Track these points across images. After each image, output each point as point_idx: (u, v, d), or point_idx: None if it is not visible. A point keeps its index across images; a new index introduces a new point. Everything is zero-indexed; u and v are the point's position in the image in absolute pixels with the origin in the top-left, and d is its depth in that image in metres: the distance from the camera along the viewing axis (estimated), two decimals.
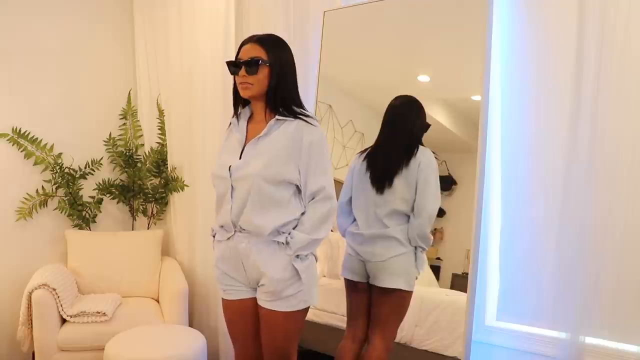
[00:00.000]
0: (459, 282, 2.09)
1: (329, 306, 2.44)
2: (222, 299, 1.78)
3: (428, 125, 2.08)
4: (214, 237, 1.79)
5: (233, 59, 1.67)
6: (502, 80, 2.09)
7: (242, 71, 1.60)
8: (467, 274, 2.03)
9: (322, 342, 2.45)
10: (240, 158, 1.65)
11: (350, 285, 2.09)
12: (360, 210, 2.07)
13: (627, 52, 1.79)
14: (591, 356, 1.88)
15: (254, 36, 1.66)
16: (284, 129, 1.62)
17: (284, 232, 1.62)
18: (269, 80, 1.62)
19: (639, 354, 1.83)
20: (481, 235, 2.03)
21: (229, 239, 1.68)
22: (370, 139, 2.34)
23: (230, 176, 1.63)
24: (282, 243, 1.61)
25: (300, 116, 1.62)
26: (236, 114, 1.75)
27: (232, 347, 1.86)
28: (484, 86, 2.00)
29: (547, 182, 2.00)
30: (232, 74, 1.67)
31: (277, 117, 1.62)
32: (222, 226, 1.70)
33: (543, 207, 2.02)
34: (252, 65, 1.59)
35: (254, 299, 1.70)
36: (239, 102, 1.74)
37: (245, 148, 1.66)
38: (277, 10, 2.63)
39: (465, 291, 2.02)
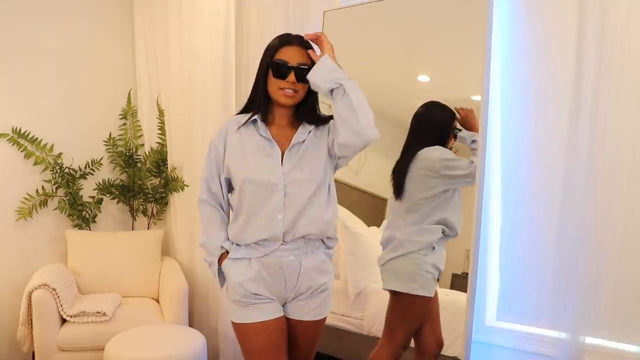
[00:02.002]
0: (459, 282, 2.09)
1: None
2: (245, 324, 1.57)
3: (453, 115, 2.08)
4: (219, 256, 1.62)
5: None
6: (502, 80, 2.09)
7: (292, 77, 1.52)
8: (467, 274, 2.03)
9: (321, 342, 2.46)
10: (283, 163, 1.55)
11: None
12: (387, 221, 2.14)
13: (627, 52, 1.78)
14: (591, 356, 1.88)
15: (295, 37, 1.58)
16: (320, 134, 1.61)
17: (329, 237, 1.64)
18: (307, 89, 1.58)
19: (639, 354, 1.82)
20: (481, 235, 2.03)
21: (266, 255, 1.56)
22: None
23: (283, 182, 1.53)
24: (328, 251, 1.65)
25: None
26: (264, 115, 1.61)
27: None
28: (484, 86, 2.00)
29: (547, 182, 2.00)
30: (276, 77, 1.54)
31: (314, 125, 1.61)
32: (257, 241, 1.56)
33: (543, 207, 2.02)
34: (305, 74, 1.52)
35: (284, 318, 1.62)
36: (268, 103, 1.60)
37: (285, 153, 1.57)
38: (277, 10, 2.63)
39: (465, 291, 2.02)
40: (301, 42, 1.58)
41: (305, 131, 1.60)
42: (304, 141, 1.59)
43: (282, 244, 1.56)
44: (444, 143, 2.05)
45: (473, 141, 1.99)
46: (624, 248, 1.83)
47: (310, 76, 1.51)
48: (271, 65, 1.55)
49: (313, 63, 1.54)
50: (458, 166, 1.98)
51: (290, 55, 1.54)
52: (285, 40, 1.58)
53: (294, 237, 1.55)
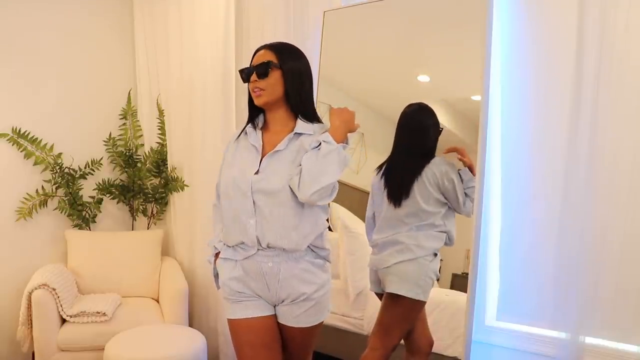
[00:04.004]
0: (459, 282, 2.09)
1: None
2: (234, 320, 1.61)
3: (440, 130, 2.09)
4: (215, 255, 1.71)
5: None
6: (502, 80, 2.09)
7: (253, 76, 1.57)
8: (467, 274, 2.03)
9: (320, 341, 2.46)
10: (258, 170, 1.56)
11: (380, 298, 2.13)
12: (379, 224, 2.13)
13: (627, 52, 1.78)
14: (591, 356, 1.88)
15: (266, 44, 1.64)
16: (303, 141, 1.58)
17: (316, 247, 1.62)
18: (283, 86, 1.58)
19: (639, 354, 1.82)
20: (481, 235, 2.04)
21: (246, 258, 1.59)
22: (370, 139, 2.34)
23: (251, 189, 1.55)
24: (316, 260, 1.62)
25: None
26: (252, 122, 1.67)
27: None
28: (484, 86, 2.00)
29: (547, 182, 2.00)
30: (244, 81, 1.63)
31: (295, 132, 1.59)
32: (238, 244, 1.60)
33: (543, 206, 2.02)
34: (261, 69, 1.56)
35: (274, 317, 1.63)
36: (255, 111, 1.67)
37: (262, 160, 1.58)
38: (277, 10, 2.63)
39: (465, 291, 2.02)
40: (269, 47, 1.62)
41: (287, 139, 1.59)
42: (281, 150, 1.58)
43: (259, 249, 1.57)
44: (434, 149, 2.06)
45: (469, 187, 1.99)
46: (624, 249, 1.83)
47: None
48: (239, 73, 1.63)
49: (278, 60, 1.57)
50: (467, 197, 2.01)
51: (255, 59, 1.61)
52: (258, 48, 1.64)
53: (269, 245, 1.55)
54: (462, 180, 2.01)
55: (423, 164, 2.03)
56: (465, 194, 2.00)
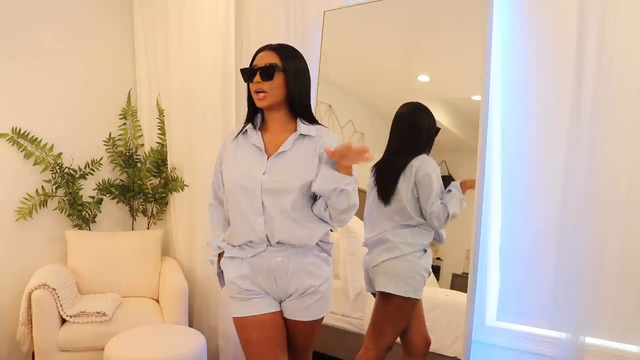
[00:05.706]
0: (459, 282, 2.10)
1: None
2: (242, 318, 1.62)
3: (438, 130, 2.08)
4: (218, 255, 1.72)
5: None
6: (502, 80, 2.09)
7: (257, 77, 1.57)
8: (467, 274, 2.03)
9: (320, 341, 2.46)
10: (264, 170, 1.58)
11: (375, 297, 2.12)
12: (370, 222, 2.12)
13: (627, 52, 1.79)
14: (591, 356, 1.88)
15: (269, 44, 1.64)
16: (312, 152, 1.60)
17: (322, 241, 1.65)
18: (285, 88, 1.59)
19: (639, 354, 1.83)
20: (481, 235, 2.04)
21: (254, 256, 1.61)
22: (370, 139, 2.34)
23: (260, 188, 1.56)
24: (322, 254, 1.65)
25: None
26: (252, 122, 1.68)
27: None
28: (484, 86, 2.00)
29: (548, 181, 2.01)
30: (246, 81, 1.63)
31: (300, 133, 1.61)
32: (245, 243, 1.62)
33: (543, 206, 2.02)
34: (267, 71, 1.56)
35: (280, 313, 1.65)
36: (254, 111, 1.68)
37: (269, 160, 1.60)
38: (277, 10, 2.63)
39: (465, 291, 2.02)
40: (273, 47, 1.62)
41: (292, 139, 1.61)
42: (289, 150, 1.60)
43: (268, 245, 1.59)
44: (426, 149, 2.05)
45: (449, 190, 1.98)
46: (625, 248, 1.83)
47: (314, 188, 1.57)
48: (240, 72, 1.63)
49: (282, 62, 1.58)
50: (441, 202, 1.99)
51: (258, 59, 1.61)
52: (260, 49, 1.65)
53: (279, 242, 1.58)
54: (444, 186, 1.99)
55: (408, 161, 2.00)
56: (441, 200, 1.97)
